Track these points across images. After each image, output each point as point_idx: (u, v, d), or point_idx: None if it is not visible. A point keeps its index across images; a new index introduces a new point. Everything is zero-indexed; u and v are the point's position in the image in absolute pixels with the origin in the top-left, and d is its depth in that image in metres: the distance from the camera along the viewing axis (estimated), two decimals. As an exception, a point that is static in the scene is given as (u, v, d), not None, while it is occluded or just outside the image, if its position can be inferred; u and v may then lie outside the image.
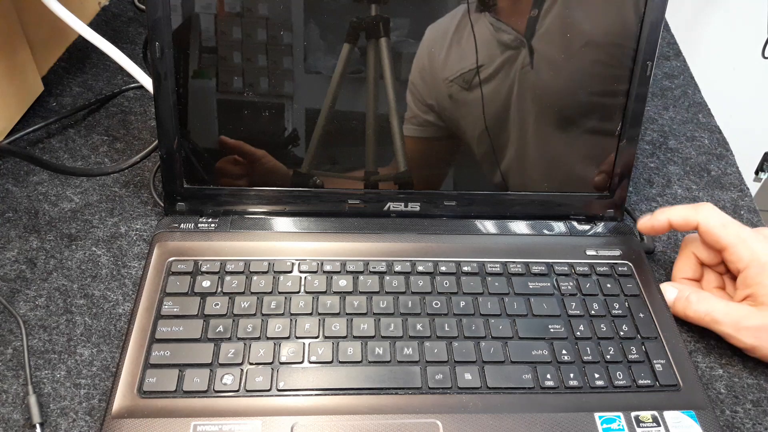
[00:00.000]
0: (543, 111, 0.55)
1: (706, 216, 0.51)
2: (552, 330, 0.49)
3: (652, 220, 0.54)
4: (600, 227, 0.58)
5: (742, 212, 0.63)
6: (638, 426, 0.43)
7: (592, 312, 0.50)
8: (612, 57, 0.54)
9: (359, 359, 0.46)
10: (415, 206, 0.56)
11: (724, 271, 0.53)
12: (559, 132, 0.56)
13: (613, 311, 0.50)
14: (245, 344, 0.46)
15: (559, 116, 0.55)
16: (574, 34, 0.52)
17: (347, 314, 0.48)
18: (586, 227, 0.58)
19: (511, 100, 0.54)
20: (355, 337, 0.47)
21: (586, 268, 0.53)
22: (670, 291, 0.52)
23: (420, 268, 0.52)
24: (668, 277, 0.56)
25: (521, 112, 0.54)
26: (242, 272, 0.50)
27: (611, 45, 0.53)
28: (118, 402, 0.42)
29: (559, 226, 0.57)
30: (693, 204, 0.53)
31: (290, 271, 0.51)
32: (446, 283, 0.51)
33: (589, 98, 0.54)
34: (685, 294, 0.51)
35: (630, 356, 0.47)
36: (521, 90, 0.54)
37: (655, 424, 0.44)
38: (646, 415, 0.44)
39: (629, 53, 0.53)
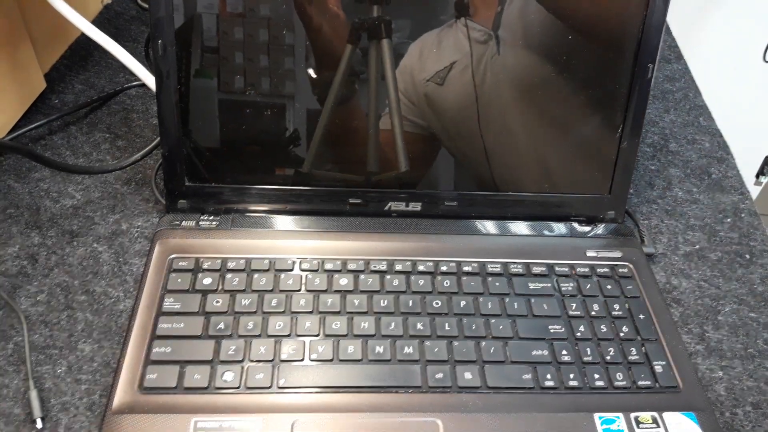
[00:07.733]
0: (542, 113, 0.55)
1: None
2: (552, 330, 0.49)
3: None
4: (601, 229, 0.58)
5: (742, 215, 0.64)
6: (638, 427, 0.43)
7: (593, 313, 0.50)
8: (612, 59, 0.54)
9: (359, 358, 0.46)
10: (416, 206, 0.57)
11: None
12: (560, 133, 0.56)
13: (614, 312, 0.50)
14: (246, 341, 0.46)
15: (560, 118, 0.55)
16: (570, 36, 0.52)
17: (348, 313, 0.48)
18: (587, 229, 0.58)
19: (504, 101, 0.54)
20: (355, 335, 0.47)
21: (586, 269, 0.53)
22: None
23: (421, 268, 0.52)
24: (668, 280, 0.56)
25: (518, 114, 0.54)
26: (243, 270, 0.50)
27: (611, 47, 0.53)
28: (119, 398, 0.42)
29: (560, 227, 0.57)
30: None
31: (291, 270, 0.51)
32: (447, 283, 0.51)
33: (590, 100, 0.55)
34: None
35: (630, 357, 0.47)
36: (515, 91, 0.54)
37: (654, 425, 0.44)
38: (645, 416, 0.44)
39: (630, 55, 0.53)
